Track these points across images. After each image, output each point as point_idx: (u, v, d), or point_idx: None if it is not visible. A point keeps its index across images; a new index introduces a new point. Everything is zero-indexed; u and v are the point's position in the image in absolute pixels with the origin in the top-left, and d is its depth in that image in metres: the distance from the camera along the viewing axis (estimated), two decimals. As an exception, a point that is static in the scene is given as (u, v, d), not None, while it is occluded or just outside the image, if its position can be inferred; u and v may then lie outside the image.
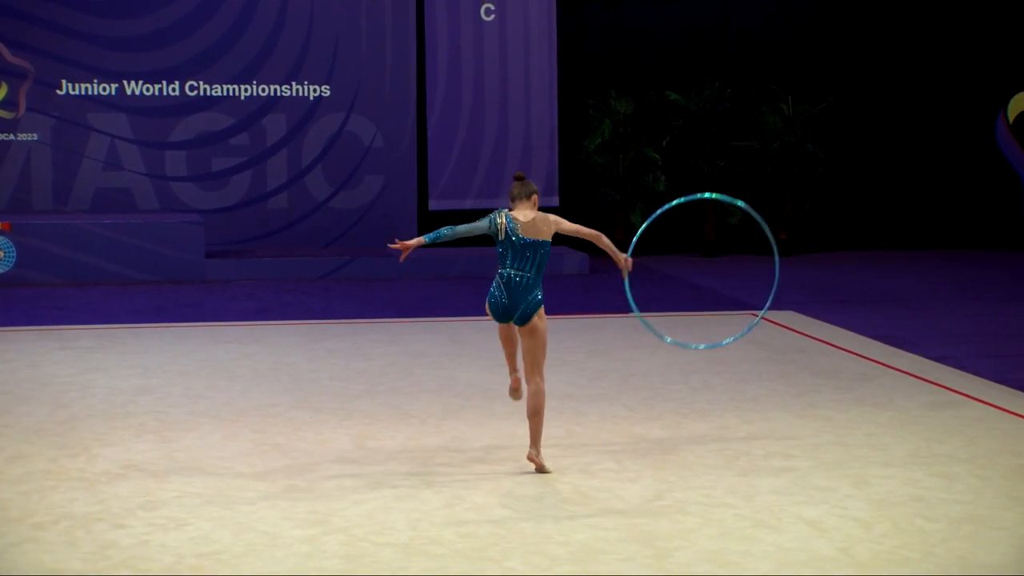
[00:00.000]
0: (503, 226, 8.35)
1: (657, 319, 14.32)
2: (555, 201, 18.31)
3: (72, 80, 17.15)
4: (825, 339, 12.97)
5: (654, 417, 9.98)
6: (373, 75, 17.84)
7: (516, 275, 8.39)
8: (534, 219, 8.43)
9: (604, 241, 8.67)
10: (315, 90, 17.76)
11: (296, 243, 17.64)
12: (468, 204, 18.17)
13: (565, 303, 15.24)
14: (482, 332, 13.40)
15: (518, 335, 8.48)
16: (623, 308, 14.89)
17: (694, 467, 8.63)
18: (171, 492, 8.04)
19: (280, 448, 9.06)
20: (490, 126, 18.14)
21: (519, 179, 8.58)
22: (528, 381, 8.38)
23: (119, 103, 17.25)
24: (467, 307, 14.96)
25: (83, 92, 17.18)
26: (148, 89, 17.36)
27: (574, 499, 7.96)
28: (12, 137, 17.02)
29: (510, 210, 8.45)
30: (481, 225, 8.38)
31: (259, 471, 8.50)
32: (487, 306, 8.49)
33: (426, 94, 17.99)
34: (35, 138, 17.07)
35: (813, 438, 9.32)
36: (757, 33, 19.72)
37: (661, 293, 16.10)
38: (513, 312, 8.38)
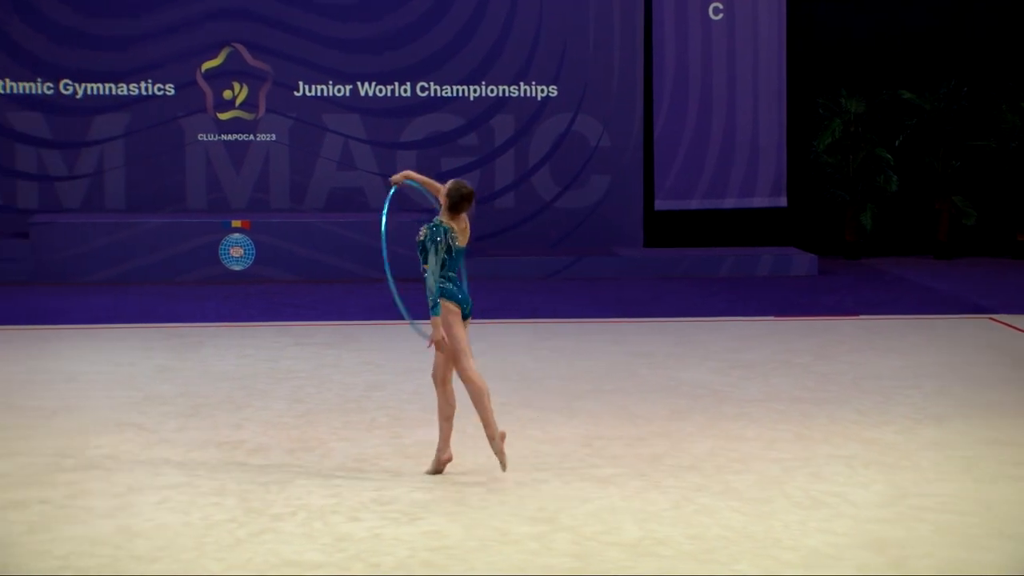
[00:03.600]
0: (450, 240, 8.45)
1: (886, 321, 14.03)
2: (783, 202, 18.07)
3: (309, 82, 17.58)
4: (1066, 345, 12.54)
5: (886, 421, 9.78)
6: (600, 75, 17.86)
7: (456, 276, 8.57)
8: (465, 227, 8.57)
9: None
10: (543, 90, 17.87)
11: (523, 242, 17.76)
12: (694, 204, 18.07)
13: (793, 304, 15.05)
14: (710, 333, 13.32)
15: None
16: (853, 310, 14.63)
17: (928, 473, 8.43)
18: (403, 487, 8.19)
19: (508, 446, 9.14)
20: (717, 125, 18.00)
21: (471, 195, 8.49)
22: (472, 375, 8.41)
23: (353, 104, 17.62)
24: (693, 308, 14.88)
25: (319, 93, 17.60)
26: (381, 90, 17.68)
27: (804, 503, 7.86)
28: (252, 138, 17.53)
29: (442, 220, 8.43)
30: (442, 253, 8.44)
31: (488, 467, 8.60)
32: (451, 304, 8.43)
33: (653, 93, 17.94)
34: (273, 138, 17.55)
35: (1054, 447, 9.02)
36: (996, 29, 19.14)
37: (889, 295, 15.76)
38: (469, 303, 8.55)
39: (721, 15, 17.87)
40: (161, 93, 17.24)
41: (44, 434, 9.37)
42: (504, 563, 6.91)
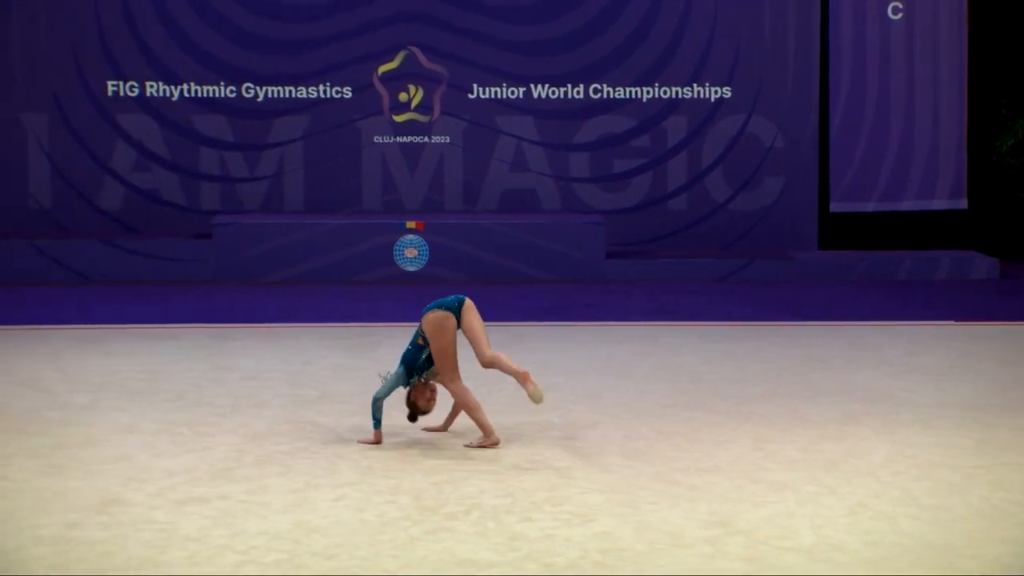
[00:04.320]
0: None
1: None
2: (963, 204, 17.68)
3: (483, 84, 17.70)
4: None
5: (1071, 431, 9.50)
6: (775, 76, 17.67)
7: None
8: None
9: None
10: (716, 91, 17.74)
11: (695, 244, 17.65)
12: (870, 207, 17.76)
13: (973, 309, 14.70)
14: (887, 337, 13.09)
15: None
16: (1036, 315, 14.26)
17: (1116, 485, 8.17)
18: (575, 488, 8.21)
19: (679, 448, 9.11)
20: (895, 126, 17.68)
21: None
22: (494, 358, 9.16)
23: (526, 106, 17.69)
24: (872, 311, 14.64)
25: (493, 96, 17.71)
26: (554, 92, 17.73)
27: (986, 512, 7.68)
28: (426, 140, 17.73)
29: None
30: (398, 379, 9.23)
31: (658, 470, 8.58)
32: (436, 310, 9.21)
33: (829, 94, 17.69)
34: (447, 140, 17.71)
35: None
36: None
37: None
38: (452, 300, 9.29)
39: (900, 15, 17.56)
40: (339, 96, 17.53)
41: (224, 431, 9.59)
42: (676, 566, 6.88)
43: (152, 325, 13.73)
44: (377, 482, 8.33)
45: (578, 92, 17.73)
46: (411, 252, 16.66)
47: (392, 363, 11.85)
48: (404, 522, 7.56)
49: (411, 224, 16.70)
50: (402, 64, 17.58)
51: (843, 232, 17.96)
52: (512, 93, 17.71)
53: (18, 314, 14.19)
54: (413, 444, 9.22)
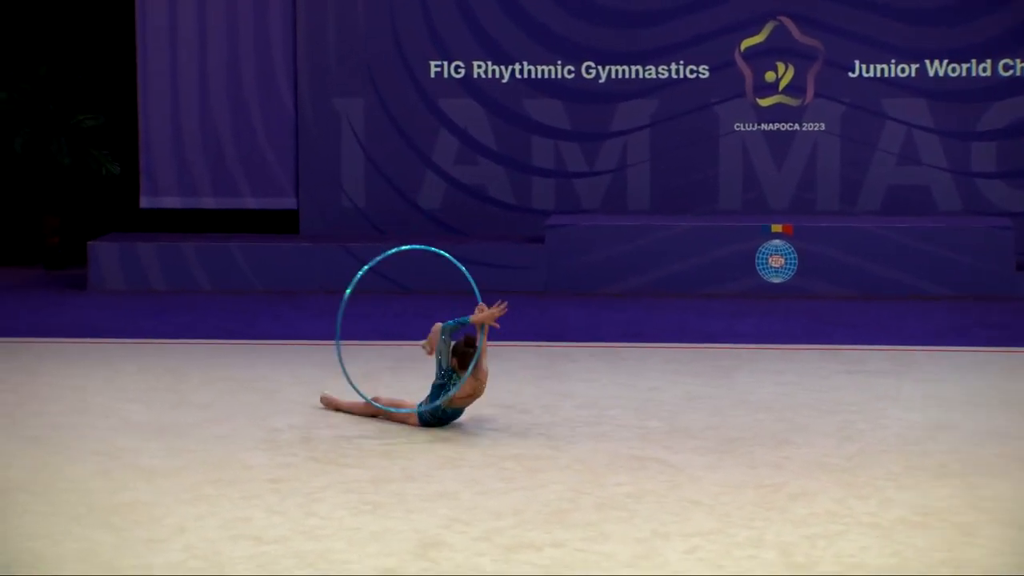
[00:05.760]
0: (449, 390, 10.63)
1: None
2: None
3: (866, 60, 17.46)
4: None
5: None
6: None
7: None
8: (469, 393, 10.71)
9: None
10: None
11: None
12: None
13: None
14: None
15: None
16: None
17: None
18: (980, 549, 8.01)
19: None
20: None
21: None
22: None
23: (918, 86, 17.37)
24: None
25: (878, 74, 17.45)
26: (954, 69, 17.34)
27: None
28: (796, 127, 17.60)
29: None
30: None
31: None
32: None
33: None
34: (822, 128, 17.54)
35: None
36: None
37: None
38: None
39: None
40: (693, 76, 17.59)
41: (558, 466, 9.74)
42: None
43: (476, 342, 14.03)
44: (737, 532, 8.31)
45: (984, 69, 17.32)
46: (777, 260, 16.58)
47: (751, 393, 11.85)
48: (770, 582, 7.55)
49: (777, 227, 16.62)
50: (769, 37, 17.52)
51: None
52: (902, 71, 17.43)
53: (329, 327, 14.74)
54: (778, 489, 9.17)
